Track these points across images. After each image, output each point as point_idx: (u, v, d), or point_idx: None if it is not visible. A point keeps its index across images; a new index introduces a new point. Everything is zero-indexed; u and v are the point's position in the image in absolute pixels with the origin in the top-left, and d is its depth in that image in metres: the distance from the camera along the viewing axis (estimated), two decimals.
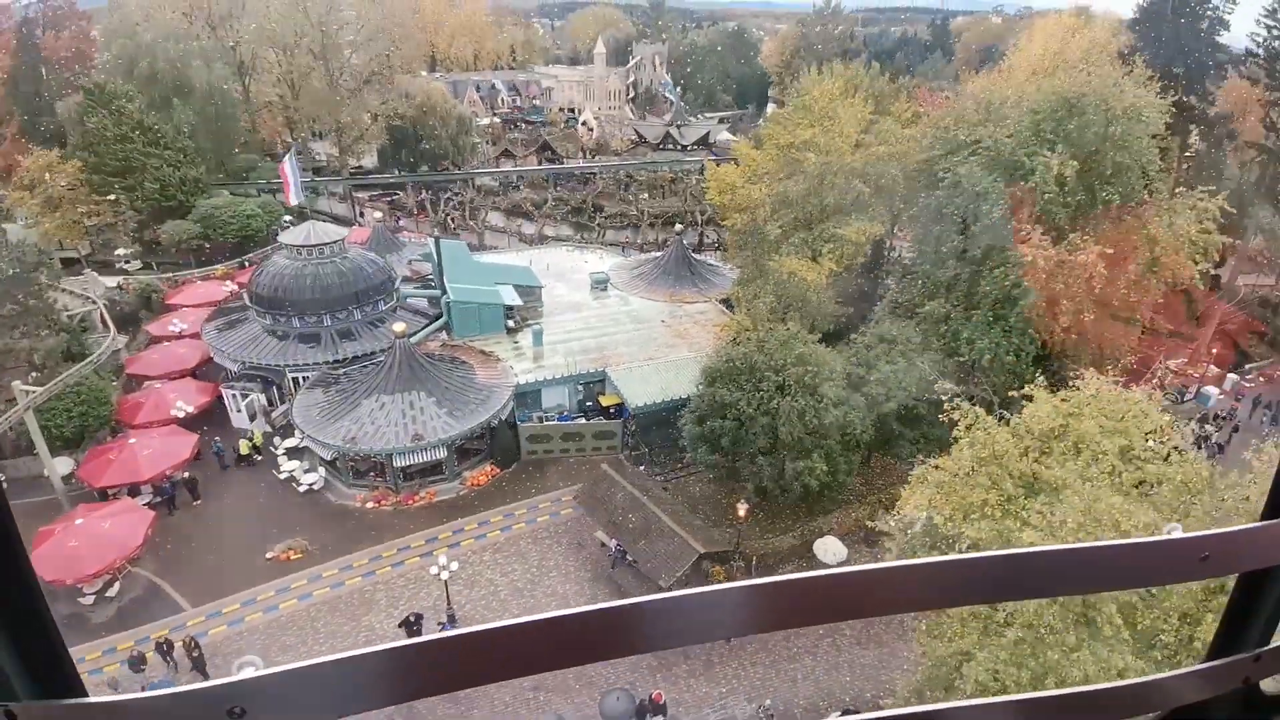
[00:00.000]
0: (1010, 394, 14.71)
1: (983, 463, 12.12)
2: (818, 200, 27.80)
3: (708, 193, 31.66)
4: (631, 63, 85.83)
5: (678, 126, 68.91)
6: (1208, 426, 25.63)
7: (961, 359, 23.06)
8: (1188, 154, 32.82)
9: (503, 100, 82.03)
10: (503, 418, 27.74)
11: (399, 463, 25.81)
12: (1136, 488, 12.08)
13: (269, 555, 23.13)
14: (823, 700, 19.38)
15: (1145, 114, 20.52)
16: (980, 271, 22.77)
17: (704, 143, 66.38)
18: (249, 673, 0.96)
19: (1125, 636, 9.92)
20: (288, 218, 43.96)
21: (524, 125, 77.38)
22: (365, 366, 28.74)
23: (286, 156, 35.96)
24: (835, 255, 27.10)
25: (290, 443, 28.31)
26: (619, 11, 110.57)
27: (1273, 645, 1.60)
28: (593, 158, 68.10)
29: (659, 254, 42.57)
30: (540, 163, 65.38)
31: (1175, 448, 12.32)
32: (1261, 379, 30.91)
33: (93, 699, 1.06)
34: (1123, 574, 1.47)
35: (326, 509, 25.79)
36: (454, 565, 20.30)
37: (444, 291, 32.83)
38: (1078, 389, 13.44)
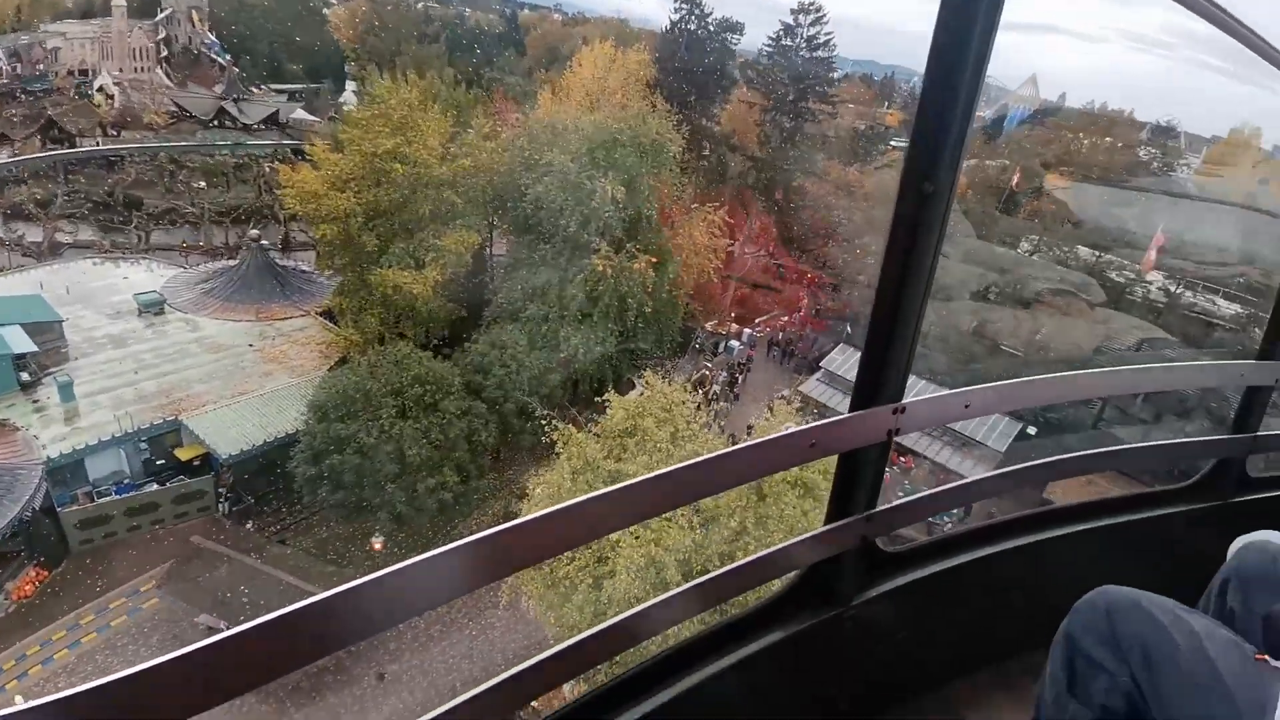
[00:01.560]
0: (597, 399, 17.41)
1: (579, 472, 14.29)
2: (413, 210, 27.50)
3: (287, 200, 28.29)
4: (161, 15, 69.07)
5: (235, 100, 58.66)
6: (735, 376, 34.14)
7: (563, 355, 26.06)
8: (704, 163, 41.99)
9: None
10: (36, 506, 20.79)
11: None
12: None
13: None
14: None
15: (667, 146, 25.93)
16: (566, 277, 25.89)
17: (274, 122, 58.10)
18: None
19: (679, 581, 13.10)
20: None
21: (24, 98, 56.05)
22: None
23: None
24: (439, 265, 27.36)
25: None
26: None
27: (880, 508, 1.95)
28: (118, 135, 53.48)
29: (234, 262, 36.38)
30: (45, 145, 48.58)
31: (705, 424, 16.43)
32: (768, 328, 41.15)
33: None
34: (761, 463, 1.74)
35: None
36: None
37: None
38: (644, 390, 16.69)
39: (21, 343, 24.98)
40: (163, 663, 0.91)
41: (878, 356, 1.69)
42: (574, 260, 25.64)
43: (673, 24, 38.12)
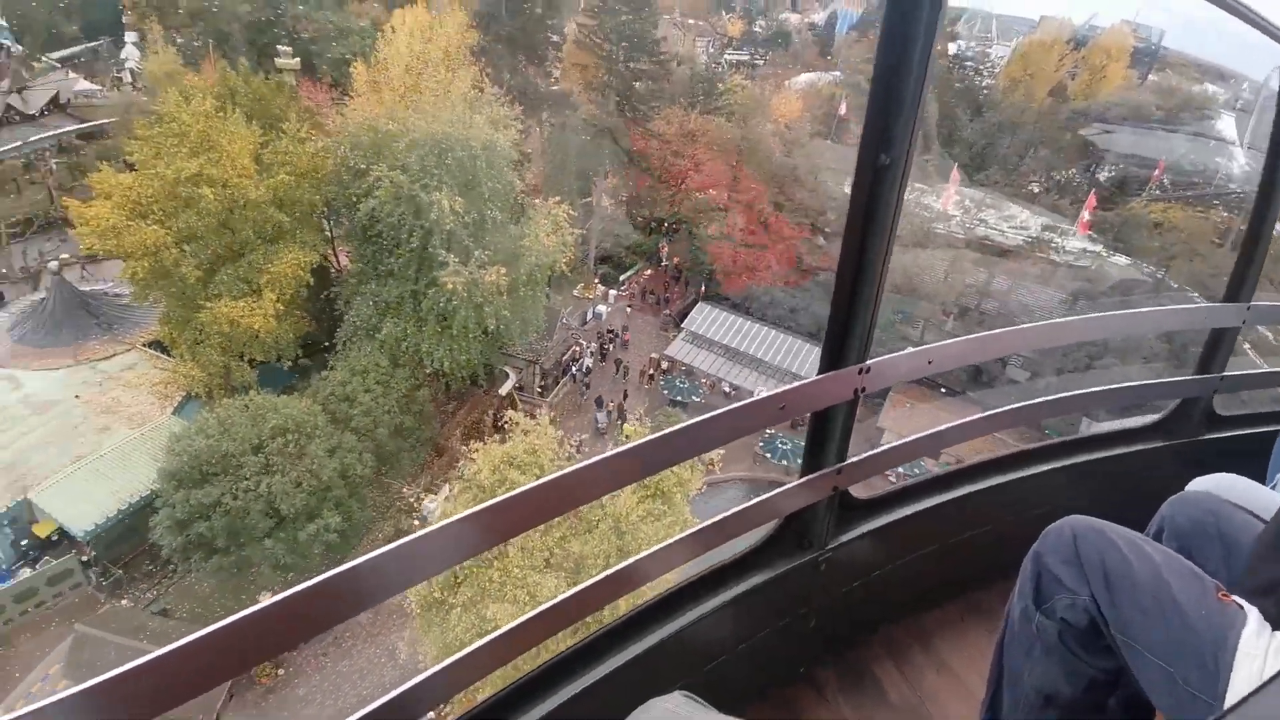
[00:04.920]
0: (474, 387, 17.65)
1: None
2: (233, 234, 25.52)
3: (83, 241, 25.18)
4: None
5: (20, 91, 48.02)
6: (605, 346, 35.25)
7: (429, 371, 26.06)
8: (547, 130, 39.80)
9: None
10: None
11: None
12: None
13: None
14: None
15: (499, 144, 25.18)
16: (420, 290, 25.43)
17: (56, 105, 48.57)
18: None
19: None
20: None
21: None
22: None
23: None
24: (277, 290, 25.89)
25: None
26: None
27: (849, 461, 2.03)
28: None
29: (40, 295, 32.00)
30: None
31: (569, 455, 17.66)
32: (634, 284, 41.93)
33: None
34: (736, 428, 1.76)
35: None
36: None
37: None
38: (520, 433, 17.31)
39: None
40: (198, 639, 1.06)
41: (843, 321, 1.77)
42: (424, 272, 25.13)
43: None
